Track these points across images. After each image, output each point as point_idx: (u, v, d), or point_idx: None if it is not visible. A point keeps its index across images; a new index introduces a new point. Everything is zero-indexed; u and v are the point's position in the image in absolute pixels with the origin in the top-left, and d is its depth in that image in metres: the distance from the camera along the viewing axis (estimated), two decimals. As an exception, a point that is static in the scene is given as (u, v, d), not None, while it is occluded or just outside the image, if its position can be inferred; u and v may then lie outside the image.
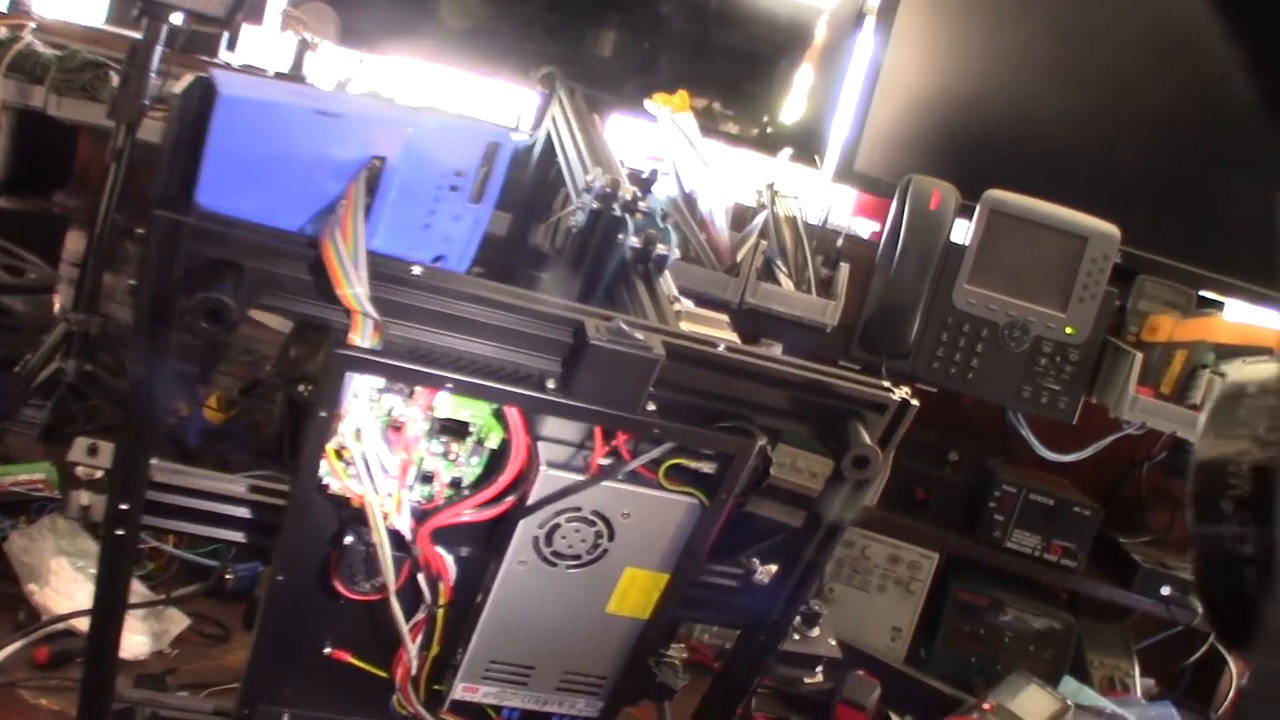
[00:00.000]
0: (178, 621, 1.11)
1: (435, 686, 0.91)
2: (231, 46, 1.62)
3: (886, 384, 0.85)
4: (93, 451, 0.81)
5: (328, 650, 0.89)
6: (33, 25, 1.52)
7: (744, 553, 0.98)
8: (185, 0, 1.23)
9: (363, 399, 0.75)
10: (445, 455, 0.79)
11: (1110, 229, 1.43)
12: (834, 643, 1.02)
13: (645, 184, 1.45)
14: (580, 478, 0.79)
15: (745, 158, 1.66)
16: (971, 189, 1.43)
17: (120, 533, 0.80)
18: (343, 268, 0.67)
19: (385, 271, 0.71)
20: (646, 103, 1.40)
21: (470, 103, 1.66)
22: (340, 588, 0.82)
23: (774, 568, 0.95)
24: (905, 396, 0.85)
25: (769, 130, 1.70)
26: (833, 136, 1.61)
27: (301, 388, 1.15)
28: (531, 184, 1.31)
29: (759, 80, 1.72)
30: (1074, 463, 1.62)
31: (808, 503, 0.91)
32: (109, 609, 0.83)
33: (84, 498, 0.82)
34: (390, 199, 0.77)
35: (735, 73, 1.73)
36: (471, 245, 0.83)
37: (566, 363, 0.74)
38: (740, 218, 1.49)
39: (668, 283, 0.90)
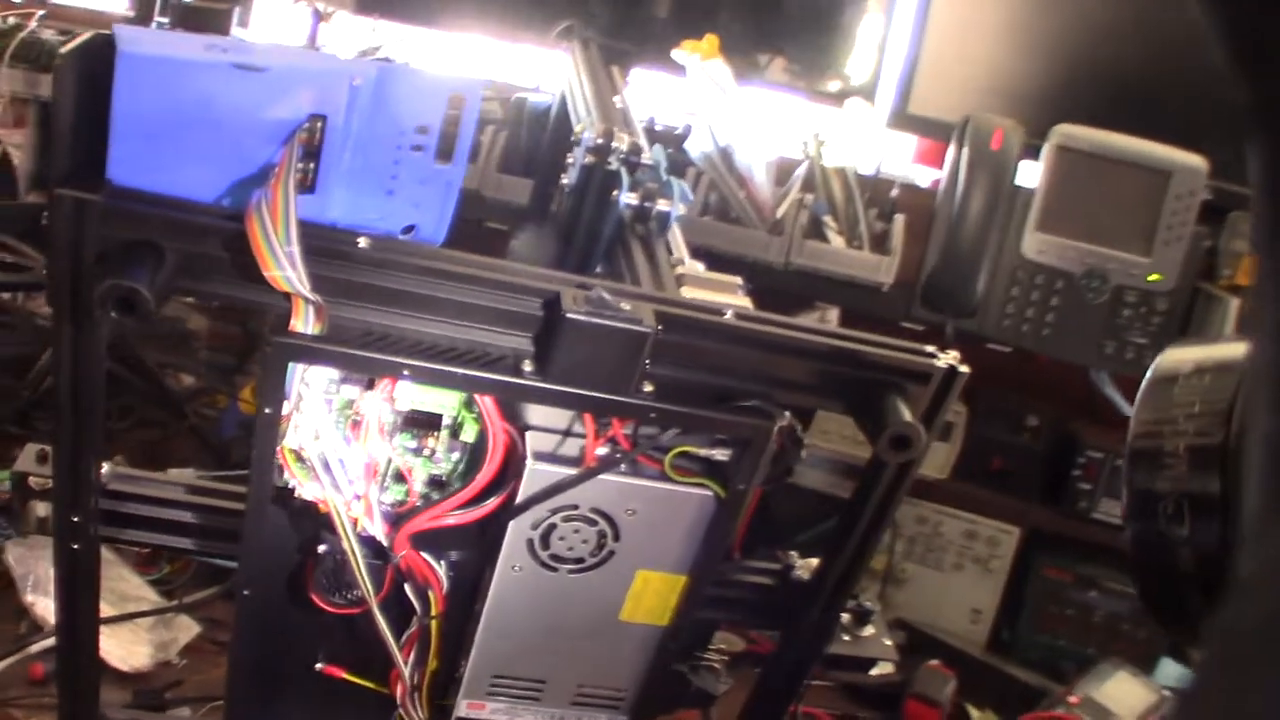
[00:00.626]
0: (187, 629, 1.04)
1: (442, 702, 0.83)
2: (244, 23, 1.55)
3: (930, 349, 0.74)
4: (43, 459, 0.74)
5: (319, 666, 0.81)
6: (40, 13, 1.47)
7: (779, 545, 0.88)
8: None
9: (317, 392, 0.66)
10: (419, 452, 0.70)
11: (1196, 161, 1.27)
12: (889, 643, 0.91)
13: (677, 140, 1.35)
14: (572, 471, 0.69)
15: (793, 106, 1.53)
16: (1038, 126, 1.28)
17: (76, 546, 0.73)
18: (269, 245, 0.58)
19: (327, 246, 0.62)
20: (674, 52, 1.28)
21: (494, 69, 1.57)
22: (317, 600, 0.74)
23: (815, 562, 0.85)
24: (953, 363, 0.73)
25: (836, 86, 1.57)
26: (884, 78, 1.47)
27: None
28: (551, 147, 1.21)
29: (823, 30, 1.58)
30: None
31: (857, 472, 0.81)
32: (74, 633, 0.76)
33: (40, 509, 0.75)
34: (343, 163, 0.68)
35: (797, 22, 1.60)
36: (446, 211, 0.74)
37: (540, 340, 0.64)
38: (785, 172, 1.37)
39: (677, 244, 0.79)
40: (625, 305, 0.63)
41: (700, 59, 1.24)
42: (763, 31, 1.58)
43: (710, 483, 0.72)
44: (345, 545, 0.69)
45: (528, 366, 0.65)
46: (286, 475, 0.68)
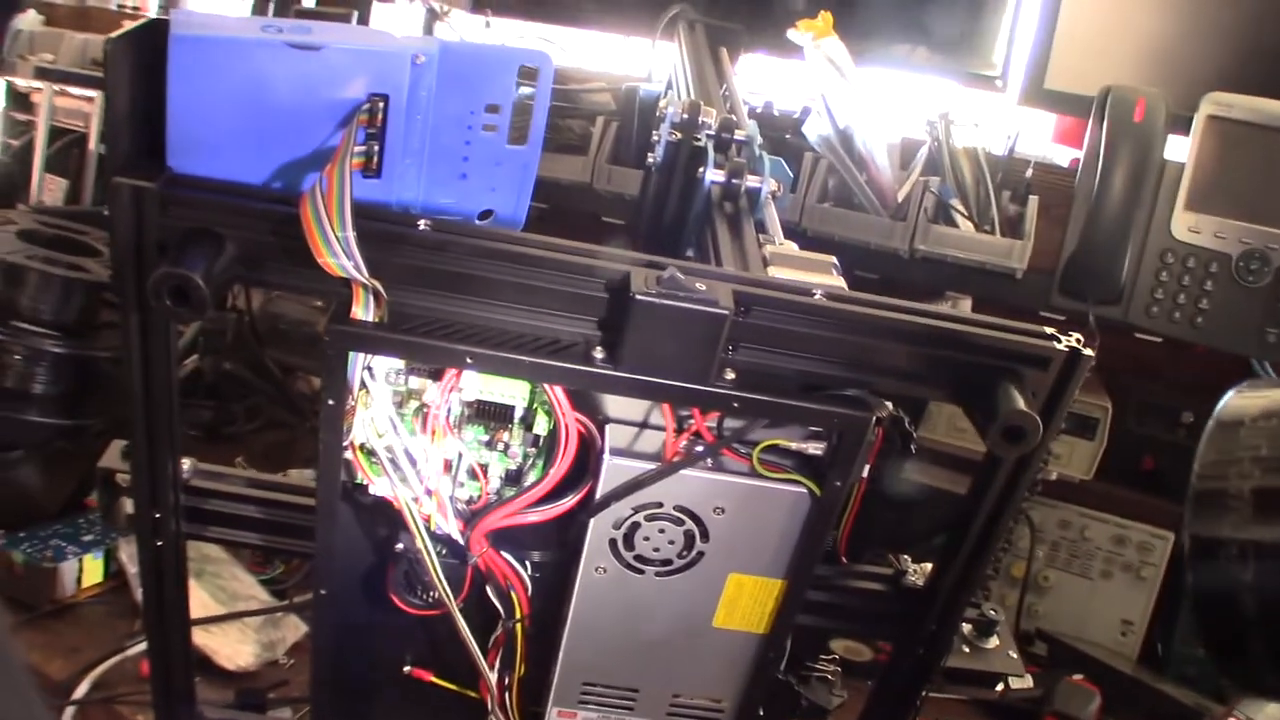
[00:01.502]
0: (295, 629, 1.04)
1: (534, 709, 0.79)
2: (364, 23, 1.56)
3: (1050, 330, 0.66)
4: (129, 455, 0.73)
5: (408, 669, 0.78)
6: (146, 17, 1.51)
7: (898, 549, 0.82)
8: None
9: (382, 384, 0.63)
10: (492, 445, 0.66)
11: (1372, 127, 1.14)
12: (1015, 655, 0.83)
13: (795, 125, 1.29)
14: (652, 466, 0.64)
15: (916, 85, 1.45)
16: (1187, 96, 1.17)
17: (159, 543, 0.72)
18: (322, 231, 0.56)
19: (386, 230, 0.59)
20: (790, 33, 1.23)
21: (607, 61, 1.54)
22: (397, 600, 0.72)
23: (930, 567, 0.78)
24: (1075, 345, 0.65)
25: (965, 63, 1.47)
26: (1016, 51, 1.38)
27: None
28: (660, 135, 1.17)
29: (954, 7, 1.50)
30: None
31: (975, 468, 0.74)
32: (162, 629, 0.75)
33: (128, 506, 0.74)
34: (412, 145, 0.65)
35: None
36: (524, 195, 0.70)
37: (607, 325, 0.60)
38: (909, 155, 1.29)
39: (771, 223, 0.74)
40: (700, 285, 0.58)
41: (815, 38, 1.18)
42: (889, 14, 1.50)
43: (804, 479, 0.66)
44: (419, 544, 0.66)
45: (599, 354, 0.60)
46: (358, 471, 0.66)
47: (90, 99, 1.40)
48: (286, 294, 1.54)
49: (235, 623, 1.01)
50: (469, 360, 0.60)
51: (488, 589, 0.72)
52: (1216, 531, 0.43)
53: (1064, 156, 1.44)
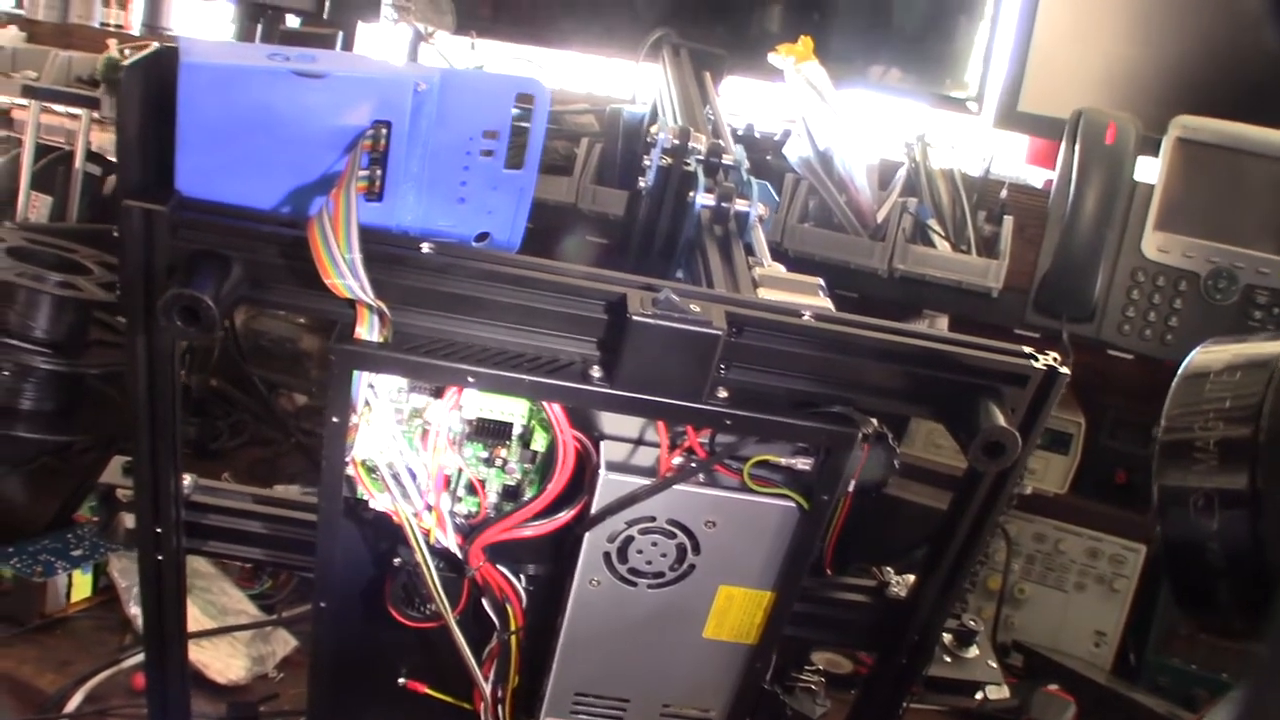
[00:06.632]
0: (284, 643, 1.05)
1: (526, 719, 0.81)
2: (349, 46, 1.58)
3: (1027, 350, 0.69)
4: (129, 471, 0.75)
5: (402, 680, 0.80)
6: (156, 45, 1.52)
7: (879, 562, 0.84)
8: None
9: (384, 401, 0.65)
10: (490, 462, 0.68)
11: (1332, 150, 1.18)
12: (994, 665, 0.85)
13: (776, 146, 1.32)
14: (646, 481, 0.66)
15: (892, 107, 1.48)
16: (1155, 119, 1.21)
17: (160, 558, 0.73)
18: (329, 254, 0.58)
19: (390, 252, 0.61)
20: (770, 56, 1.26)
21: (591, 83, 1.56)
22: (395, 613, 0.73)
23: (912, 579, 0.81)
24: (1052, 364, 0.68)
25: (941, 87, 1.51)
26: (992, 75, 1.41)
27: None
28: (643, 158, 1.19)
29: (931, 34, 1.54)
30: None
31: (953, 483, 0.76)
32: (161, 643, 0.76)
33: (128, 521, 0.76)
34: (412, 170, 0.67)
35: (905, 29, 1.55)
36: (519, 218, 0.73)
37: (606, 345, 0.62)
38: (887, 176, 1.32)
39: (759, 246, 0.76)
40: (694, 307, 0.60)
41: (795, 62, 1.21)
42: (868, 39, 1.54)
43: (792, 494, 0.68)
44: (418, 558, 0.68)
45: (595, 373, 0.62)
46: (359, 487, 0.67)
47: (76, 116, 1.41)
48: (269, 311, 1.55)
49: (225, 637, 1.02)
50: (471, 379, 0.61)
51: (483, 601, 0.73)
52: (1183, 482, 0.45)
53: (1037, 177, 1.48)
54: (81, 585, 1.07)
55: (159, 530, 0.72)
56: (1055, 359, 0.68)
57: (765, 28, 1.45)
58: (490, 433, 0.67)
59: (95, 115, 1.37)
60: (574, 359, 0.63)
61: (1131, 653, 1.39)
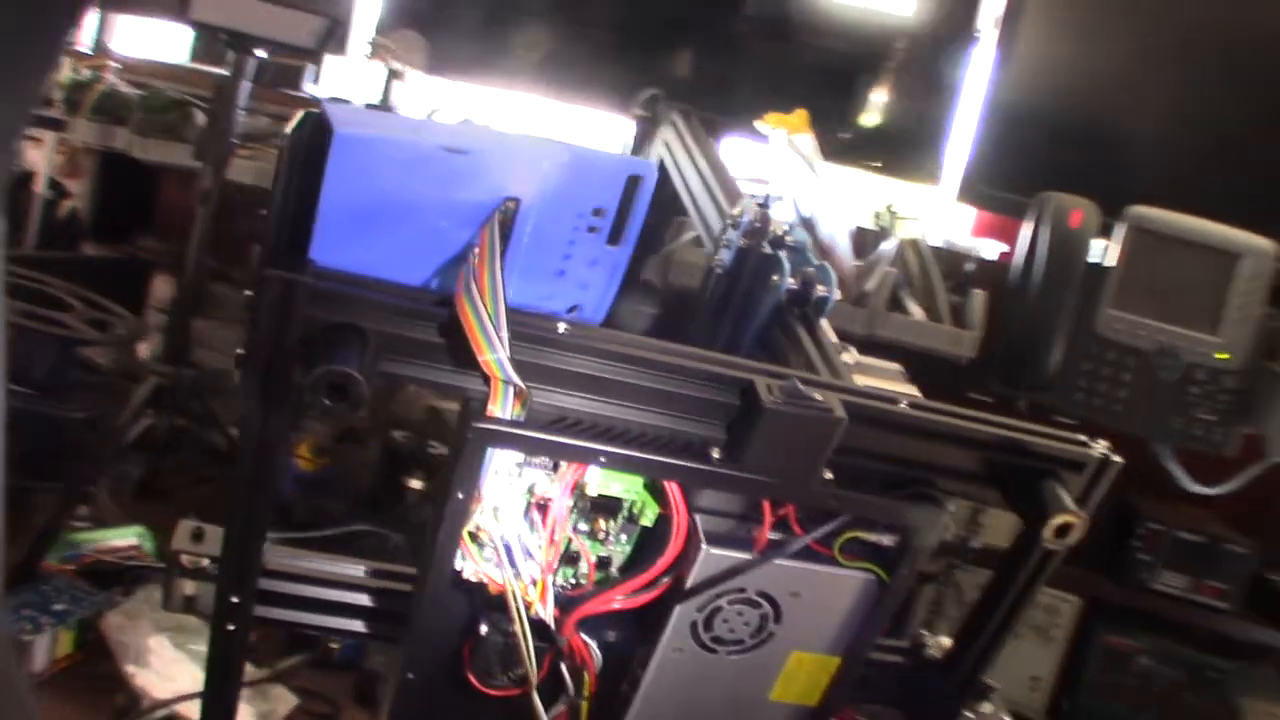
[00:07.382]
0: (285, 700, 1.03)
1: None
2: (316, 79, 1.56)
3: (1083, 438, 0.74)
4: (198, 536, 0.73)
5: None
6: (115, 65, 1.47)
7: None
8: (275, 32, 1.15)
9: (501, 475, 0.66)
10: (592, 534, 0.70)
11: (1266, 244, 1.30)
12: (1008, 719, 0.91)
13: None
14: (745, 556, 0.69)
15: (862, 179, 1.55)
16: (1109, 205, 1.31)
17: (232, 628, 0.72)
18: (483, 330, 0.59)
19: (525, 330, 0.62)
20: (758, 124, 1.30)
21: (562, 130, 1.58)
22: (475, 682, 0.74)
23: (946, 640, 0.85)
24: (1106, 453, 0.74)
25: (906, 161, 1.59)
26: (950, 153, 1.50)
27: (399, 435, 1.06)
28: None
29: (855, 93, 1.62)
30: (1222, 495, 1.49)
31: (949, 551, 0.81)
32: (221, 712, 0.75)
33: (188, 587, 0.74)
34: (524, 244, 0.68)
35: (832, 86, 1.63)
36: (609, 293, 0.74)
37: (733, 428, 0.64)
38: (859, 242, 1.39)
39: (828, 328, 0.80)
40: (818, 396, 0.63)
41: (789, 132, 1.26)
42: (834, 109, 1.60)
43: (874, 567, 0.72)
44: (517, 629, 0.69)
45: (715, 453, 0.65)
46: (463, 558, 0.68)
47: (38, 139, 1.35)
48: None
49: (227, 694, 0.99)
50: (603, 459, 0.63)
51: (561, 666, 0.74)
52: None
53: (983, 248, 1.57)
54: (64, 642, 1.02)
55: (235, 600, 0.71)
56: (1108, 447, 0.74)
57: (735, 88, 1.50)
58: (602, 508, 0.68)
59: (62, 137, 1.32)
60: (694, 439, 0.65)
61: (1065, 697, 1.48)
